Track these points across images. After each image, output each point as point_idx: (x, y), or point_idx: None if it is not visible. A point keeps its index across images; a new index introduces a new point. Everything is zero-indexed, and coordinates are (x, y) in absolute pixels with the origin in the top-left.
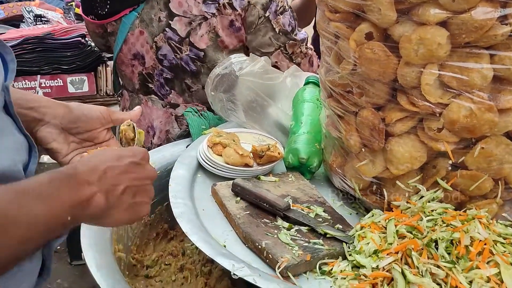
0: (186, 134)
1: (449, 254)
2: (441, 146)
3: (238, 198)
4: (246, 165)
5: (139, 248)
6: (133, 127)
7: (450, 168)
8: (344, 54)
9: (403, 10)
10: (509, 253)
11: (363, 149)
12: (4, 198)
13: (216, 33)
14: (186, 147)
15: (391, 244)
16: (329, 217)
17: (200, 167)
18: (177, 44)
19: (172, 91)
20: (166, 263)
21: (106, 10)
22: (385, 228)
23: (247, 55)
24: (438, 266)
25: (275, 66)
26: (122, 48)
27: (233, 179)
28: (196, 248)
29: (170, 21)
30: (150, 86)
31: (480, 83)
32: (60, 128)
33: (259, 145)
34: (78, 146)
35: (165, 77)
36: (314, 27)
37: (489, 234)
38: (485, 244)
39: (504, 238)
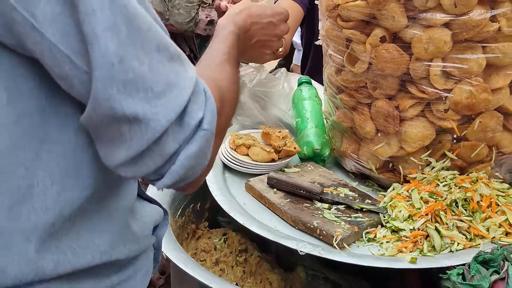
0: None
1: (465, 210)
2: (448, 124)
3: (275, 190)
4: (273, 160)
5: None
6: None
7: (454, 141)
8: (359, 55)
9: (412, 16)
10: (510, 203)
11: (378, 134)
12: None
13: None
14: None
15: (419, 208)
16: (356, 195)
17: (225, 168)
18: None
19: None
20: (201, 259)
21: None
22: (409, 197)
23: None
24: (461, 221)
25: None
26: None
27: (259, 174)
28: (225, 242)
29: None
30: None
31: (477, 70)
32: None
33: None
34: None
35: None
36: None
37: (491, 190)
38: (491, 199)
39: (502, 192)
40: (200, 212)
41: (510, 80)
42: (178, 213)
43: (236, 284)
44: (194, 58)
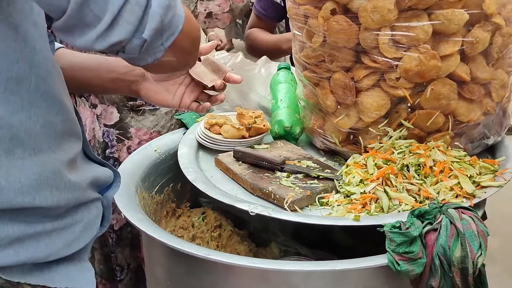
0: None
1: (418, 175)
2: (400, 92)
3: (240, 162)
4: (243, 137)
5: None
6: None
7: (409, 110)
8: (314, 30)
9: None
10: (464, 168)
11: (338, 107)
12: None
13: None
14: (184, 134)
15: (372, 174)
16: (318, 166)
17: (200, 146)
18: None
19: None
20: (179, 235)
21: None
22: (365, 165)
23: None
24: (412, 184)
25: None
26: None
27: (230, 151)
28: (203, 219)
29: None
30: None
31: (424, 37)
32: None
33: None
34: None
35: None
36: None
37: (447, 157)
38: (444, 165)
39: (459, 159)
40: (181, 193)
41: (459, 47)
42: (155, 190)
43: None
44: None
